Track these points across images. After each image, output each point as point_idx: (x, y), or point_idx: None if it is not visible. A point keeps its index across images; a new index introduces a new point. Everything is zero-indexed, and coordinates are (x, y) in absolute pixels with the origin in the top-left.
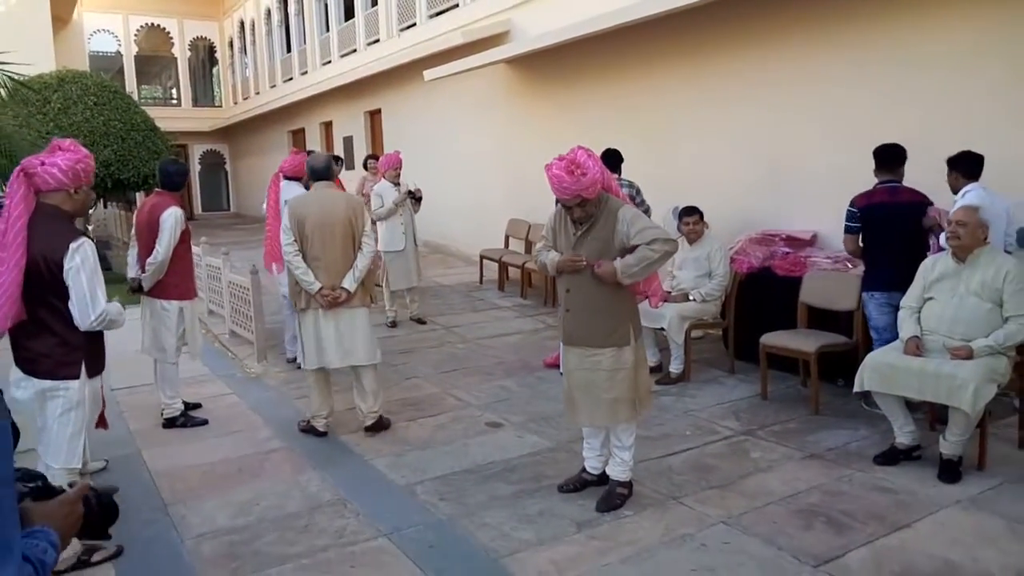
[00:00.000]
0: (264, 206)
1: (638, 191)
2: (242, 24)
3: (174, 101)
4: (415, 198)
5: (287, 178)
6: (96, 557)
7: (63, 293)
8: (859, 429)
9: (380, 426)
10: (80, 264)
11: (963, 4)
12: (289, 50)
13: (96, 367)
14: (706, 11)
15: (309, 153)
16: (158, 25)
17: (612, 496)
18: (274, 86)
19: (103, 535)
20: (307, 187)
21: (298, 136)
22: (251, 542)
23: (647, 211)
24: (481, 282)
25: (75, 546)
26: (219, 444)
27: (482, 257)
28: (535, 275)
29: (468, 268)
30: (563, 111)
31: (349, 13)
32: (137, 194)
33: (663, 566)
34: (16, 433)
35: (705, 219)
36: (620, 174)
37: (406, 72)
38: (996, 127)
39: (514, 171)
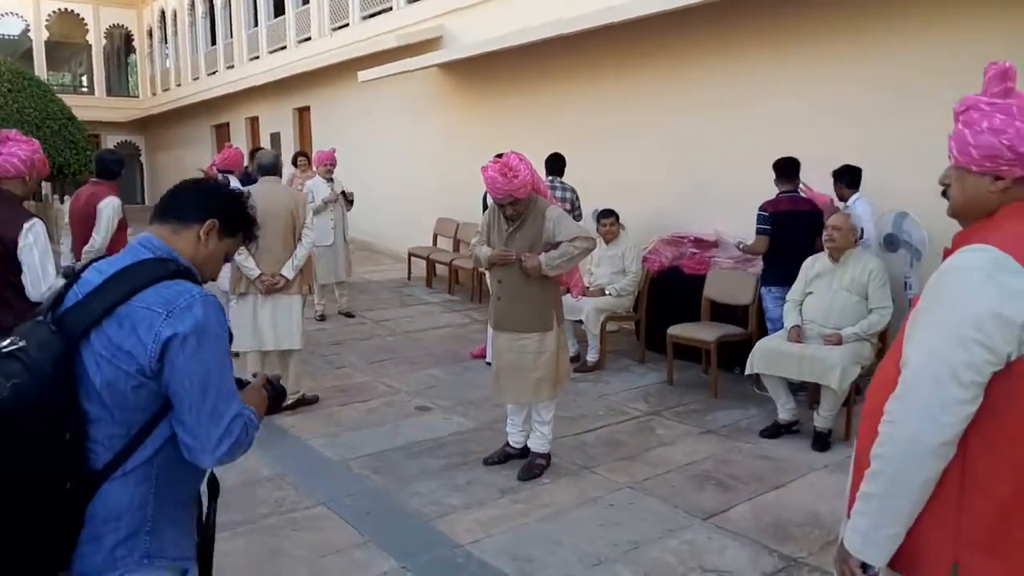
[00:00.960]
0: None
1: (577, 196)
2: (163, 14)
3: (84, 89)
4: (347, 200)
5: (220, 171)
6: None
7: (18, 269)
8: (750, 409)
9: (301, 403)
10: (33, 242)
11: (854, 39)
12: (214, 43)
13: None
14: (628, 29)
15: (257, 150)
16: (71, 11)
17: (532, 466)
18: (197, 79)
19: (279, 410)
20: (244, 179)
21: (222, 130)
22: None
23: (579, 217)
24: (409, 278)
25: None
26: None
27: (411, 254)
28: (462, 272)
29: (396, 265)
30: (494, 115)
31: (279, 9)
32: (46, 185)
33: (576, 523)
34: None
35: (621, 221)
36: (562, 177)
37: (337, 71)
38: (876, 145)
39: (444, 171)
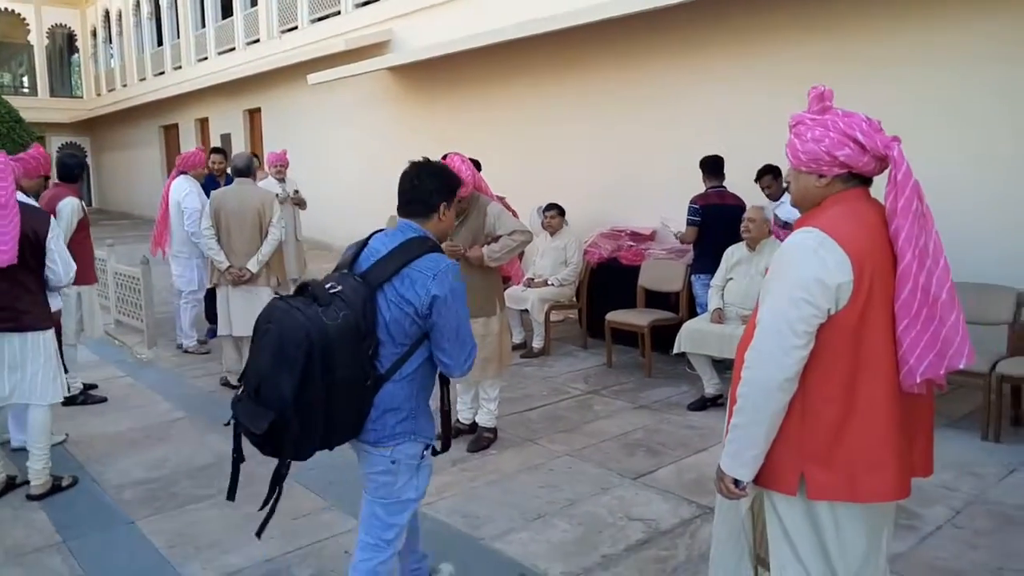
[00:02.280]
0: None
1: None
2: (107, 13)
3: (25, 90)
4: (296, 202)
5: (180, 172)
6: (64, 482)
7: (41, 259)
8: (681, 386)
9: None
10: (58, 233)
11: (765, 53)
12: (160, 44)
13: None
14: (570, 35)
15: (217, 150)
16: (12, 10)
17: (480, 439)
18: (144, 79)
19: None
20: (204, 180)
21: (171, 131)
22: (168, 488)
23: None
24: None
25: (46, 475)
26: (121, 417)
27: None
28: None
29: None
30: (442, 115)
31: (227, 11)
32: None
33: (519, 485)
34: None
35: (565, 215)
36: None
37: (288, 73)
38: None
39: (396, 170)
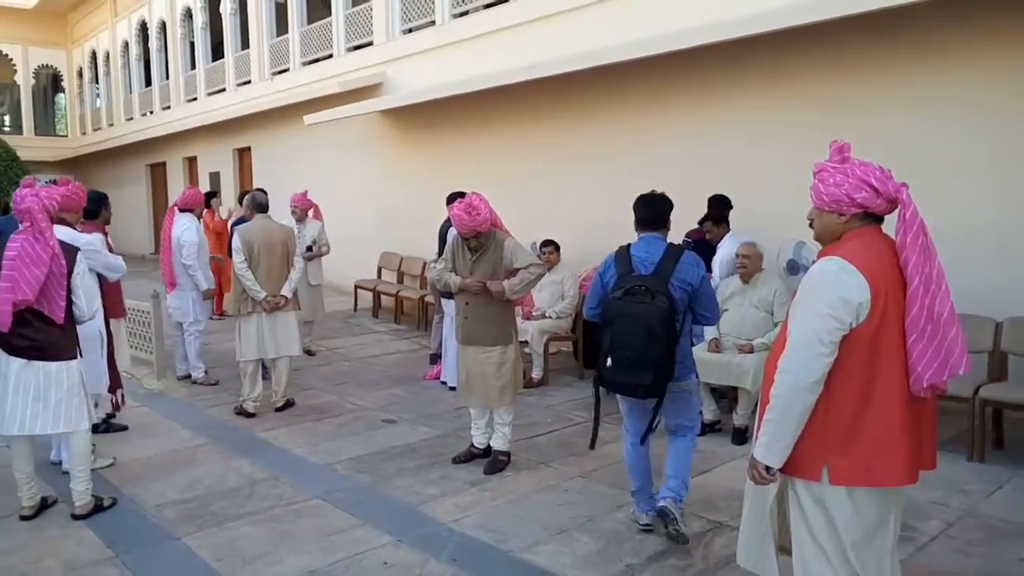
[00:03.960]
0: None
1: None
2: (94, 55)
3: (7, 128)
4: (309, 249)
5: (181, 210)
6: (106, 503)
7: (68, 292)
8: None
9: (287, 405)
10: (83, 270)
11: (721, 97)
12: (149, 84)
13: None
14: (555, 82)
15: (253, 191)
16: (0, 51)
17: (496, 462)
18: (131, 119)
19: None
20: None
21: (158, 170)
22: (205, 507)
23: None
24: (355, 310)
25: (88, 496)
26: (145, 443)
27: (357, 287)
28: (407, 302)
29: (340, 298)
30: (434, 157)
31: (217, 53)
32: None
33: (538, 504)
34: None
35: (560, 251)
36: None
37: (279, 113)
38: (769, 184)
39: (387, 209)
